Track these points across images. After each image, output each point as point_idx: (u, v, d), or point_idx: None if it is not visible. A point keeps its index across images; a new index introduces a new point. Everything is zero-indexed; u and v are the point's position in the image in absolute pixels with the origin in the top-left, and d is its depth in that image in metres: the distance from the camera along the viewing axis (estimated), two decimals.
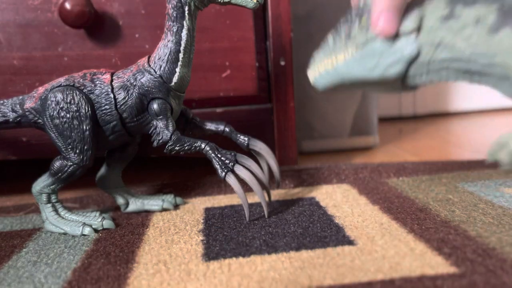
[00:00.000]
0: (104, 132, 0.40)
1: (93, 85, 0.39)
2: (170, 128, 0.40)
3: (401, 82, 0.32)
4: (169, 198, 0.46)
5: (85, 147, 0.39)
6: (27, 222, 0.44)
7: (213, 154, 0.40)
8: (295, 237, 0.35)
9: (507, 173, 0.50)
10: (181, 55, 0.40)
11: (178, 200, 0.47)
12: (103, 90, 0.39)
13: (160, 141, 0.40)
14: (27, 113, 0.40)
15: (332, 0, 0.72)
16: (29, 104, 0.40)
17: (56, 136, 0.39)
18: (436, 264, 0.29)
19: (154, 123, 0.40)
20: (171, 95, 0.40)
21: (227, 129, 0.45)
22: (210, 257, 0.33)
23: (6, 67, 0.50)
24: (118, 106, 0.39)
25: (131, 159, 0.46)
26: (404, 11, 0.32)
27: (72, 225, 0.40)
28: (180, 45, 0.39)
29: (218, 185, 0.53)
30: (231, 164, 0.39)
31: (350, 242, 0.34)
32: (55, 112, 0.38)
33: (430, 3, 0.31)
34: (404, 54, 0.31)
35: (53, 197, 0.41)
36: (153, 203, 0.45)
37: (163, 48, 0.40)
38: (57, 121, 0.38)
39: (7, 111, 0.40)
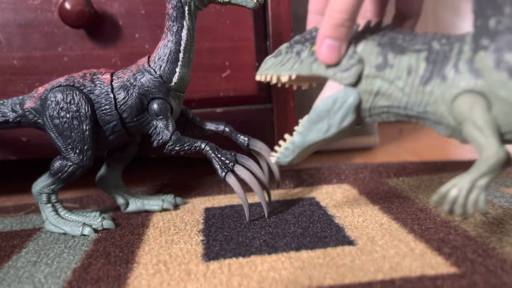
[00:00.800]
0: (104, 132, 0.40)
1: (93, 85, 0.39)
2: (170, 128, 0.40)
3: (356, 125, 0.34)
4: (169, 198, 0.46)
5: (85, 147, 0.39)
6: (27, 222, 0.44)
7: (213, 154, 0.40)
8: (295, 237, 0.35)
9: (507, 173, 0.50)
10: (181, 55, 0.40)
11: (178, 200, 0.47)
12: (103, 90, 0.39)
13: (160, 141, 0.40)
14: (27, 113, 0.40)
15: None
16: (29, 104, 0.40)
17: (56, 136, 0.39)
18: (436, 264, 0.29)
19: (154, 123, 0.40)
20: (171, 95, 0.40)
21: (227, 129, 0.45)
22: (210, 257, 0.33)
23: (6, 67, 0.50)
24: (118, 106, 0.39)
25: (131, 159, 0.46)
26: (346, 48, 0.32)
27: (72, 225, 0.40)
28: (180, 45, 0.39)
29: (218, 185, 0.53)
30: (231, 164, 0.39)
31: (350, 242, 0.34)
32: (55, 112, 0.38)
33: (365, 47, 0.32)
34: (349, 103, 0.32)
35: (53, 197, 0.41)
36: (153, 203, 0.45)
37: (163, 48, 0.40)
38: (57, 121, 0.38)
39: (7, 111, 0.40)
